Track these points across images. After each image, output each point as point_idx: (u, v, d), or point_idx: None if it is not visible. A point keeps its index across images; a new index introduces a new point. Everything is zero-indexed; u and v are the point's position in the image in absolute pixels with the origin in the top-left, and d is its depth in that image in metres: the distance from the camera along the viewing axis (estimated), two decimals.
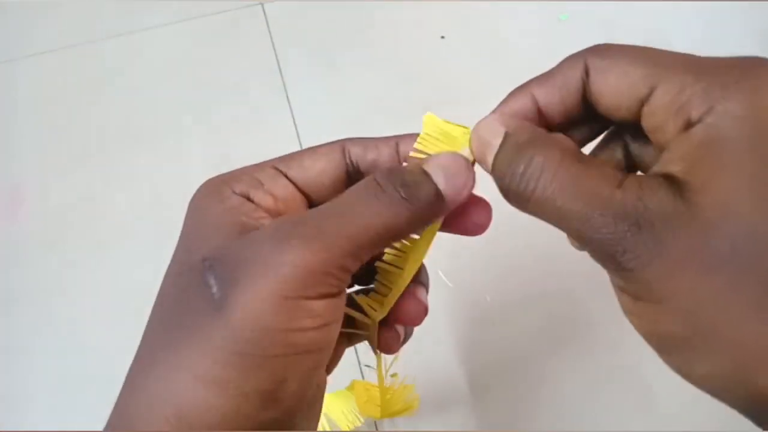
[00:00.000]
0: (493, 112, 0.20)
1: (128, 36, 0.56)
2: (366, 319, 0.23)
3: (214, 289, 0.17)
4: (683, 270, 0.15)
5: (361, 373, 0.39)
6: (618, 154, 0.21)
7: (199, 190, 0.20)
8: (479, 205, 0.21)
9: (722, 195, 0.15)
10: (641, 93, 0.17)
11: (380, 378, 0.27)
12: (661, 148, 0.17)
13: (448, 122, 0.21)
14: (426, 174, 0.19)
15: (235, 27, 0.57)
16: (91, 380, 0.40)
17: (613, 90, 0.18)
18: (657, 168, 0.17)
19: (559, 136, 0.19)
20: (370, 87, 0.52)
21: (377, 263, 0.23)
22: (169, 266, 0.19)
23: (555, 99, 0.19)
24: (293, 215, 0.19)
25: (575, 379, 0.40)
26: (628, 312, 0.18)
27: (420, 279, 0.23)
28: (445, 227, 0.21)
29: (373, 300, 0.23)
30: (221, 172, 0.21)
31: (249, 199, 0.20)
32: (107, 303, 0.42)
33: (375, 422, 0.37)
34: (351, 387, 0.33)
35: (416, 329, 0.25)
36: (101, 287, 0.43)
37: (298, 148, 0.22)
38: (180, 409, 0.16)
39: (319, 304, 0.17)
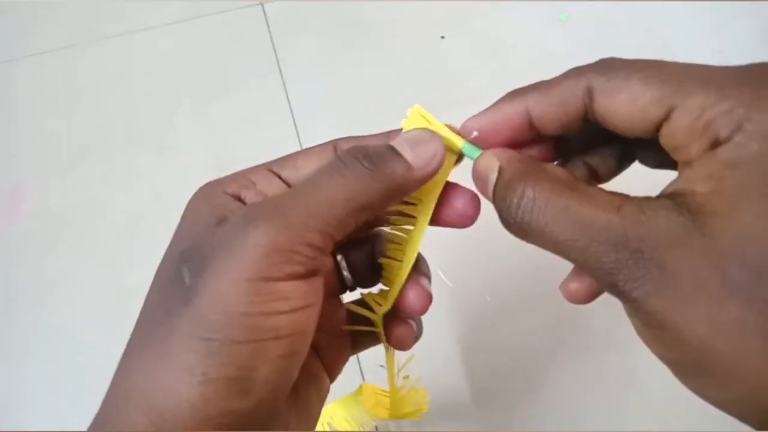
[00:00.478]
0: (483, 113, 0.20)
1: (128, 36, 0.56)
2: (371, 314, 0.23)
3: (186, 280, 0.17)
4: (695, 298, 0.15)
5: (361, 374, 0.39)
6: (615, 150, 0.20)
7: (194, 194, 0.21)
8: (462, 194, 0.21)
9: (744, 218, 0.15)
10: (656, 116, 0.17)
11: (391, 375, 0.27)
12: (683, 164, 0.17)
13: (432, 118, 0.21)
14: (391, 147, 0.19)
15: (235, 27, 0.57)
16: (91, 380, 0.40)
17: (624, 114, 0.17)
18: (678, 185, 0.16)
19: (550, 166, 0.19)
20: (370, 87, 0.52)
21: (380, 259, 0.23)
22: (157, 268, 0.20)
23: (551, 114, 0.19)
24: (262, 200, 0.20)
25: (575, 379, 0.40)
26: (640, 335, 0.17)
27: (421, 269, 0.23)
28: (434, 220, 0.22)
29: (378, 296, 0.23)
30: (221, 172, 0.22)
31: (240, 198, 0.20)
32: (107, 303, 0.42)
33: (375, 425, 0.37)
34: (359, 391, 0.32)
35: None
36: (101, 287, 0.43)
37: (298, 148, 0.22)
38: (151, 400, 0.16)
39: (286, 286, 0.17)
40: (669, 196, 0.16)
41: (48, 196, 0.47)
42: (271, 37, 0.56)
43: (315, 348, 0.23)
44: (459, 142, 0.21)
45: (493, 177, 0.19)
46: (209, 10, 0.57)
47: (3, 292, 0.43)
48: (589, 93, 0.18)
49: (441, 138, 0.20)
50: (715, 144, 0.16)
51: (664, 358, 0.17)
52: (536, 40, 0.54)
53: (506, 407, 0.39)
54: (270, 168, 0.21)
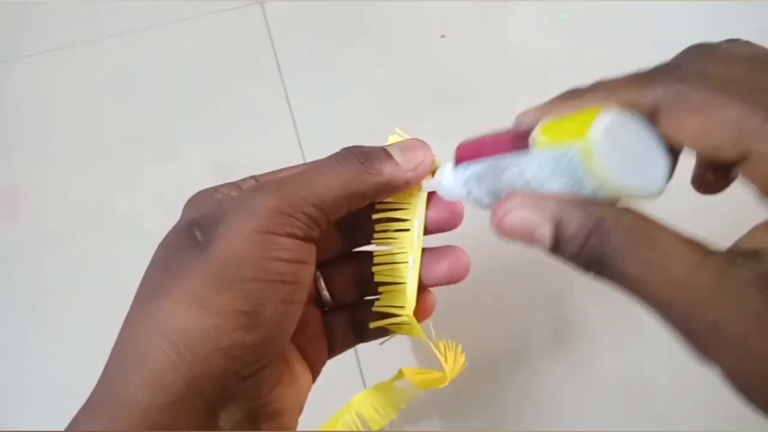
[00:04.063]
0: (535, 109, 0.19)
1: (127, 36, 0.56)
2: (404, 319, 0.24)
3: (199, 237, 0.20)
4: None
5: (361, 375, 0.39)
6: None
7: (191, 196, 0.23)
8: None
9: None
10: (733, 153, 0.15)
11: (440, 351, 0.30)
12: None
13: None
14: (384, 149, 0.23)
15: (235, 26, 0.56)
16: (92, 380, 0.40)
17: (694, 141, 0.16)
18: (763, 243, 0.15)
19: (625, 209, 0.17)
20: (370, 87, 0.52)
21: (374, 268, 0.25)
22: (161, 241, 0.22)
23: None
24: (269, 179, 0.23)
25: (575, 379, 0.40)
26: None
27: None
28: (427, 226, 0.24)
29: (388, 302, 0.25)
30: (220, 171, 0.23)
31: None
32: (107, 303, 0.42)
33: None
34: (398, 375, 0.33)
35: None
36: (101, 287, 0.43)
37: (297, 147, 0.23)
38: (169, 331, 0.18)
39: (288, 241, 0.20)
40: (751, 256, 0.15)
41: (47, 196, 0.47)
42: (271, 37, 0.55)
43: (297, 348, 0.25)
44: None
45: (545, 231, 0.17)
46: (208, 10, 0.57)
47: (1, 292, 0.43)
48: (655, 109, 0.16)
49: (429, 147, 0.23)
50: None
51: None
52: (536, 40, 0.54)
53: (507, 407, 0.39)
54: (254, 177, 0.24)
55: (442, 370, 0.33)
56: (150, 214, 0.46)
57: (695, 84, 0.16)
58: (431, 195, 0.24)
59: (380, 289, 0.25)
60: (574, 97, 0.19)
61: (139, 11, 0.57)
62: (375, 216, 0.25)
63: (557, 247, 0.17)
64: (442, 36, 0.55)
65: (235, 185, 0.23)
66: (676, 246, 0.15)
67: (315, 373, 0.26)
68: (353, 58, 0.54)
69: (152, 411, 0.18)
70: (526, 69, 0.52)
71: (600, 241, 0.16)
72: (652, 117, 0.17)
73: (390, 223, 0.24)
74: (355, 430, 0.34)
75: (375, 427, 0.35)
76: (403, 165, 0.22)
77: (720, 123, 0.15)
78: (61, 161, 0.49)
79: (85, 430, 0.18)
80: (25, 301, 0.43)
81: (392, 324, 0.24)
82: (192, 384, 0.18)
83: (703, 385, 0.39)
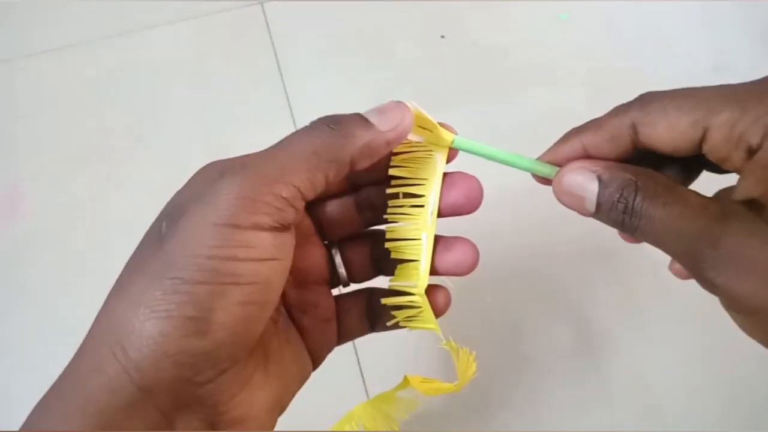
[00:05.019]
0: (546, 153, 0.23)
1: (128, 36, 0.56)
2: (414, 297, 0.24)
3: (164, 230, 0.19)
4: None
5: (362, 377, 0.39)
6: (678, 167, 0.23)
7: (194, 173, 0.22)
8: (465, 176, 0.24)
9: None
10: (694, 137, 0.19)
11: (452, 348, 0.29)
12: (734, 171, 0.20)
13: (426, 115, 0.23)
14: (358, 114, 0.21)
15: (235, 26, 0.56)
16: None
17: (667, 140, 0.20)
18: (736, 195, 0.19)
19: (642, 169, 0.21)
20: (370, 87, 0.52)
21: (387, 244, 0.24)
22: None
23: (604, 148, 0.22)
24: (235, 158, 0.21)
25: (575, 378, 0.40)
26: (743, 329, 0.20)
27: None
28: (442, 208, 0.24)
29: (400, 278, 0.24)
30: None
31: None
32: None
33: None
34: (404, 383, 0.32)
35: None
36: (101, 287, 0.43)
37: None
38: (117, 335, 0.18)
39: (252, 236, 0.18)
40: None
41: (47, 195, 0.47)
42: (271, 37, 0.55)
43: (301, 331, 0.24)
44: (449, 137, 0.23)
45: (593, 187, 0.21)
46: (209, 10, 0.57)
47: (2, 292, 0.43)
48: (634, 127, 0.21)
49: (407, 106, 0.22)
50: (751, 151, 0.18)
51: (759, 341, 0.19)
52: (536, 40, 0.54)
53: (507, 407, 0.39)
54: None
55: (445, 378, 0.33)
56: (149, 214, 0.45)
57: (656, 98, 0.20)
58: (447, 175, 0.24)
59: (397, 266, 0.25)
60: (571, 136, 0.22)
61: (139, 11, 0.57)
62: (389, 191, 0.24)
63: (601, 198, 0.20)
64: (442, 36, 0.55)
65: (249, 155, 0.21)
66: (692, 194, 0.20)
67: (318, 358, 0.25)
68: (353, 58, 0.54)
69: (106, 414, 0.17)
70: (526, 68, 0.52)
71: (635, 190, 0.20)
72: (633, 134, 0.21)
73: (404, 199, 0.24)
74: None
75: None
76: (381, 126, 0.21)
77: (680, 116, 0.19)
78: (60, 160, 0.49)
79: (38, 429, 0.18)
80: (25, 300, 0.43)
81: (404, 302, 0.24)
82: (143, 390, 0.17)
83: (703, 385, 0.39)
